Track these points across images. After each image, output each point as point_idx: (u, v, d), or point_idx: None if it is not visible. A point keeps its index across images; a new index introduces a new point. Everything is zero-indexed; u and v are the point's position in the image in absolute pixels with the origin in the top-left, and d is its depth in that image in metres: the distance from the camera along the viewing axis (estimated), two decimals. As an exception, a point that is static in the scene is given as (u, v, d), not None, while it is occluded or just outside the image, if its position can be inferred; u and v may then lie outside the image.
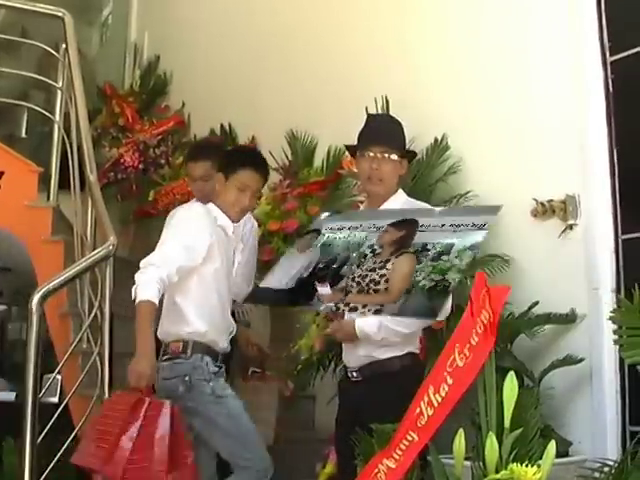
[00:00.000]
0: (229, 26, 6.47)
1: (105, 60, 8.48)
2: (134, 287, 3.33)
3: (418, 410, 2.39)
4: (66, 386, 4.57)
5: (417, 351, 3.25)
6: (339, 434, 3.35)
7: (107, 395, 4.00)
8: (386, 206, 3.30)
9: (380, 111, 4.18)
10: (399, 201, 3.34)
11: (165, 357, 3.51)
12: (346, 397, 3.33)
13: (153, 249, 3.49)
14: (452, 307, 3.57)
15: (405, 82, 4.42)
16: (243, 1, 6.36)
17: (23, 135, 8.09)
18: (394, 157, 3.31)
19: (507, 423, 2.31)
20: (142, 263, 3.38)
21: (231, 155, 3.87)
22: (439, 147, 4.10)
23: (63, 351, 4.39)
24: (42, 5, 5.44)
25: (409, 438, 2.38)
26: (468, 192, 3.93)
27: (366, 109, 4.10)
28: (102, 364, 4.14)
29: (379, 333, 3.10)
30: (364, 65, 4.82)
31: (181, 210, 3.76)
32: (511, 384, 2.33)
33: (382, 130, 3.40)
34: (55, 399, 5.39)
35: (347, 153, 4.36)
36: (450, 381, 2.37)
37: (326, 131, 5.01)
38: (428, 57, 4.37)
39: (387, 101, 4.23)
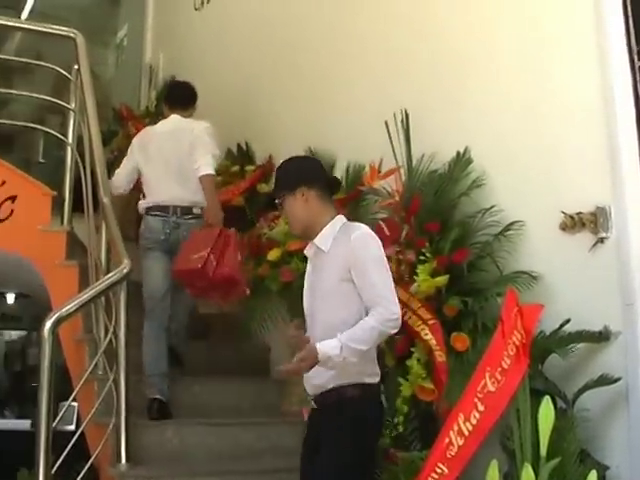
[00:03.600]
0: (244, 45, 6.43)
1: (121, 82, 8.48)
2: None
3: (447, 440, 2.26)
4: (82, 413, 4.47)
5: (374, 381, 3.12)
6: (302, 459, 3.27)
7: (124, 425, 3.93)
8: (320, 236, 3.23)
9: (399, 125, 4.08)
10: (333, 228, 3.24)
11: (189, 217, 4.72)
12: (309, 423, 3.30)
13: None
14: (478, 326, 3.47)
15: (425, 95, 4.32)
16: (257, 20, 6.31)
17: (40, 160, 8.06)
18: (278, 200, 3.31)
19: (543, 451, 2.17)
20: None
21: None
22: (461, 161, 3.99)
23: (78, 378, 4.29)
24: (54, 26, 5.39)
25: (438, 471, 2.24)
26: (492, 207, 3.80)
27: (385, 123, 4.00)
28: (117, 391, 4.03)
29: (341, 354, 3.00)
30: (383, 79, 4.72)
31: None
32: (547, 409, 2.21)
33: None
34: (72, 427, 5.29)
35: (367, 169, 4.27)
36: (481, 408, 2.24)
37: (345, 147, 4.91)
38: (448, 69, 4.26)
39: (407, 115, 4.13)
